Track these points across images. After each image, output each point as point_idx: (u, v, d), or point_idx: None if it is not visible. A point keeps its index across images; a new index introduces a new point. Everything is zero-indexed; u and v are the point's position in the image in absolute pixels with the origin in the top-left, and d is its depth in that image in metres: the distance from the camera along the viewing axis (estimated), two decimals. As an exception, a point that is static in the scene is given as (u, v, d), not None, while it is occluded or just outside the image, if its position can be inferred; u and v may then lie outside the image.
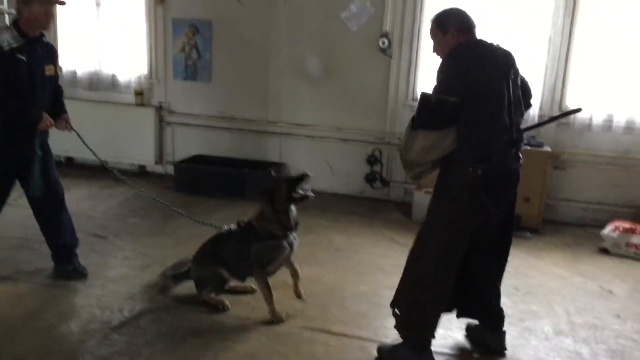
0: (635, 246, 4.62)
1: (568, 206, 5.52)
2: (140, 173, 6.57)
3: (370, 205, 5.79)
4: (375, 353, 2.97)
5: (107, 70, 6.49)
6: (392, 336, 3.06)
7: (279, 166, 6.10)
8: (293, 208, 3.36)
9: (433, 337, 2.83)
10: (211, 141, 6.41)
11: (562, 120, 5.35)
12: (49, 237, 3.78)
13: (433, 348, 2.87)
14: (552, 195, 5.47)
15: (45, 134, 3.62)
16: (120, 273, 3.88)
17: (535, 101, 5.34)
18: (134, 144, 6.43)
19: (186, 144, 6.46)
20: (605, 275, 4.23)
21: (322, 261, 4.23)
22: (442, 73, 2.70)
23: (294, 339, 3.09)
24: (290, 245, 3.36)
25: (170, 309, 3.38)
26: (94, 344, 2.97)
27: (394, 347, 2.90)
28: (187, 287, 3.58)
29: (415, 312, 2.83)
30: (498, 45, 2.77)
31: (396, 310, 2.87)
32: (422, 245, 2.84)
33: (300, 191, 3.29)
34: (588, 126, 5.33)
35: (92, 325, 3.16)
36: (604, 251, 4.71)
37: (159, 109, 6.44)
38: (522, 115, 2.82)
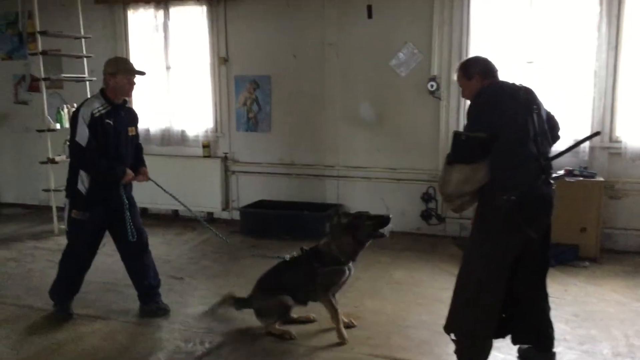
0: (697, 271, 4.62)
1: (626, 235, 5.56)
2: (209, 219, 7.02)
3: (427, 241, 5.99)
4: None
5: (177, 126, 7.07)
6: (453, 360, 3.27)
7: (336, 207, 6.42)
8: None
9: None
10: (273, 187, 6.82)
11: (613, 150, 5.49)
12: (135, 279, 4.18)
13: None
14: (609, 225, 5.53)
15: (129, 186, 4.09)
16: (198, 310, 4.23)
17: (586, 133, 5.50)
18: (202, 193, 6.91)
19: (250, 191, 6.89)
20: (665, 300, 4.27)
21: (383, 294, 4.47)
22: (470, 113, 3.03)
23: (361, 365, 3.34)
24: (349, 271, 3.77)
25: (247, 341, 3.69)
26: (181, 372, 3.31)
27: None
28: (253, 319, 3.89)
29: (467, 338, 3.04)
30: (520, 84, 3.08)
31: (452, 336, 3.08)
32: (465, 272, 3.07)
33: (380, 230, 3.73)
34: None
35: (178, 356, 3.50)
36: (664, 277, 4.74)
37: (224, 159, 6.94)
38: (549, 144, 3.08)
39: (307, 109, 6.60)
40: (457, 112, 6.03)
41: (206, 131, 6.99)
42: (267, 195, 6.80)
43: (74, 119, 3.87)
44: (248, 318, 3.93)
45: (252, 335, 3.75)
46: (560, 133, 3.21)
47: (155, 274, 4.24)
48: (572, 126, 5.41)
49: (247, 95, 6.77)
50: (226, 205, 7.00)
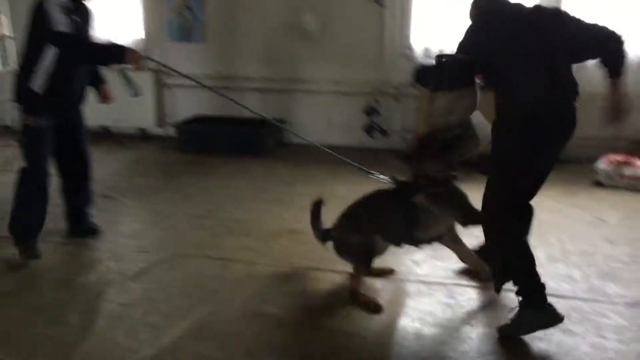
0: (628, 177, 4.74)
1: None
2: (142, 136, 6.68)
3: (371, 155, 5.89)
4: (378, 285, 3.12)
5: (103, 36, 6.52)
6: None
7: (280, 122, 6.21)
8: None
9: (541, 285, 2.63)
10: (210, 101, 6.48)
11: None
12: (67, 198, 3.79)
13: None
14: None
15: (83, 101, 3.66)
16: (130, 229, 4.03)
17: None
18: (133, 108, 6.49)
19: (186, 106, 6.54)
20: (599, 206, 4.37)
21: (324, 209, 4.35)
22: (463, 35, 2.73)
23: (300, 279, 3.26)
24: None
25: (184, 259, 3.53)
26: (113, 292, 3.13)
27: (515, 317, 2.65)
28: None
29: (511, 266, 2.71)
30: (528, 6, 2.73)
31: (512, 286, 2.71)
32: (491, 191, 2.74)
33: None
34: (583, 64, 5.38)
35: (109, 276, 3.32)
36: (599, 184, 4.84)
37: (157, 71, 6.51)
38: (572, 58, 2.70)
39: (246, 19, 6.20)
40: (401, 20, 5.79)
41: (136, 41, 6.49)
42: (204, 110, 6.48)
43: (40, 10, 3.22)
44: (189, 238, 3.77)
45: (189, 257, 3.59)
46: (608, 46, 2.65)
47: (89, 192, 3.91)
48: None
49: (179, 3, 6.27)
50: (160, 121, 6.65)
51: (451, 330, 2.74)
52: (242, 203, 4.50)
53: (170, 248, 3.68)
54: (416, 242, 3.03)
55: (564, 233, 3.83)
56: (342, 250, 3.11)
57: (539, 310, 2.58)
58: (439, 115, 2.77)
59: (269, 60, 6.23)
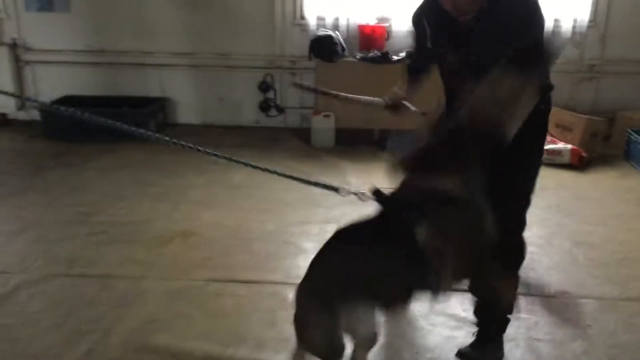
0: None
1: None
2: (3, 122, 5.74)
3: (267, 136, 5.47)
4: (289, 295, 2.75)
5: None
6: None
7: (161, 101, 5.58)
8: None
9: None
10: (80, 79, 5.68)
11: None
12: None
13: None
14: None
15: None
16: (-14, 242, 3.34)
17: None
18: (-12, 90, 5.58)
19: (52, 85, 5.67)
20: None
21: (222, 203, 3.90)
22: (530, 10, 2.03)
23: (198, 294, 2.79)
24: None
25: (54, 279, 2.94)
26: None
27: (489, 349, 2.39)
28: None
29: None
30: None
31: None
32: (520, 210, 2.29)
33: None
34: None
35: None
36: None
37: (13, 46, 5.57)
38: None
39: (116, -17, 5.43)
40: (293, -14, 5.34)
41: (-16, 11, 5.50)
42: (73, 89, 5.64)
43: None
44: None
45: (60, 276, 2.99)
46: None
47: None
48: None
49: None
50: (22, 104, 5.74)
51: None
52: (123, 202, 3.89)
53: (36, 266, 3.06)
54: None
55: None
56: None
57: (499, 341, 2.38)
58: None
59: (146, 31, 5.52)
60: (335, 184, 2.14)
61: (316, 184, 2.18)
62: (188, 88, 5.65)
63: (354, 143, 5.04)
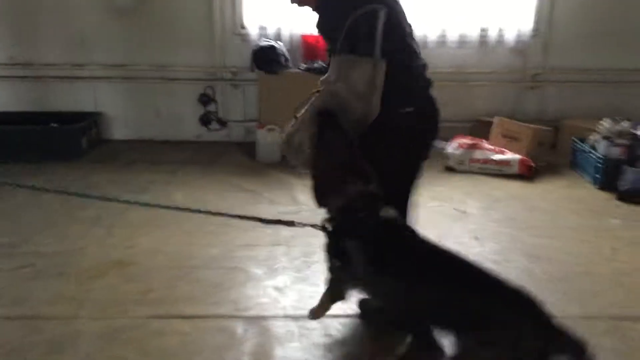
0: (479, 161, 4.66)
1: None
2: None
3: (210, 150, 5.22)
4: (239, 330, 2.53)
5: None
6: (255, 308, 2.68)
7: (94, 117, 5.24)
8: None
9: None
10: (5, 94, 5.28)
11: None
12: None
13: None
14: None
15: None
16: None
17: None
18: None
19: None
20: (456, 195, 4.20)
21: (162, 225, 3.62)
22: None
23: (137, 334, 2.52)
24: None
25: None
26: None
27: None
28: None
29: None
30: None
31: None
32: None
33: None
34: (424, 43, 5.20)
35: None
36: (450, 169, 4.71)
37: None
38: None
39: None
40: (232, -2, 5.12)
41: None
42: (-2, 105, 5.25)
43: None
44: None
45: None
46: None
47: None
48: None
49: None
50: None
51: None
52: (51, 229, 3.54)
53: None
54: None
55: (431, 230, 3.53)
56: None
57: None
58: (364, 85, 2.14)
59: (75, 42, 5.18)
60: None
61: (275, 222, 2.33)
62: (123, 102, 5.33)
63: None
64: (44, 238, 3.43)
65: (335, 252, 2.10)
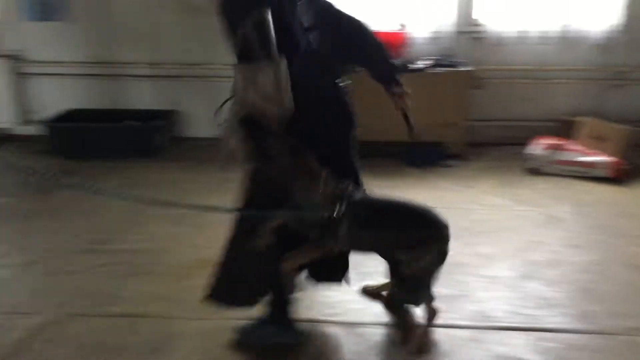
0: (563, 162, 4.46)
1: (487, 126, 5.26)
2: (4, 137, 5.45)
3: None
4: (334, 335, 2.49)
5: None
6: (347, 314, 2.63)
7: (170, 114, 5.32)
8: None
9: None
10: (85, 92, 5.43)
11: (476, 34, 5.05)
12: None
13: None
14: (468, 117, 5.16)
15: None
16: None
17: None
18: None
19: (55, 98, 5.40)
20: (542, 199, 4.02)
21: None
22: None
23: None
24: None
25: (76, 319, 2.66)
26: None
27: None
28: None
29: None
30: None
31: None
32: None
33: None
34: (501, 39, 5.04)
35: None
36: (533, 171, 4.53)
37: (13, 58, 5.30)
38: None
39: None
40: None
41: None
42: (78, 103, 5.40)
43: None
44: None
45: (83, 316, 2.71)
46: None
47: None
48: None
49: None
50: (26, 118, 5.46)
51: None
52: (136, 227, 3.59)
53: (54, 304, 2.78)
54: None
55: (521, 238, 3.42)
56: None
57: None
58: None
59: (153, 41, 5.26)
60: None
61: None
62: (196, 100, 5.38)
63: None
64: (129, 236, 3.49)
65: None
